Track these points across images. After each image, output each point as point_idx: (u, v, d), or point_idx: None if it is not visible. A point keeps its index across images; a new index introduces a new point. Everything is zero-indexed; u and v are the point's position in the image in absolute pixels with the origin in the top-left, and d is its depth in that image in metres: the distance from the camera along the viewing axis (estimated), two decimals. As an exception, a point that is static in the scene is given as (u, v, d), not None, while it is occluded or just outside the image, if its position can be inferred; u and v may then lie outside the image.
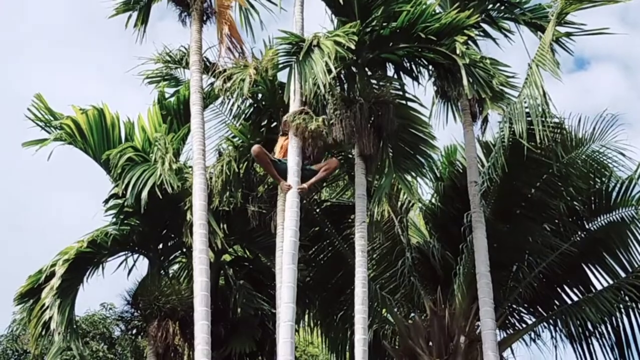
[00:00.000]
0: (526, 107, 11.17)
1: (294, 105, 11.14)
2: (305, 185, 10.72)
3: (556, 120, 11.96)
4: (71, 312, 12.46)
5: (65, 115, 13.34)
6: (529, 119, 11.09)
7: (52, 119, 13.46)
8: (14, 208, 42.71)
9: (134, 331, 13.79)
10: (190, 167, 12.68)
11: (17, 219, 42.34)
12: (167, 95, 13.95)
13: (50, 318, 11.92)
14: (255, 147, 11.04)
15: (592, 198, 13.27)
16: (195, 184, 11.24)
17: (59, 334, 11.92)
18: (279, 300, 10.02)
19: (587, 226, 13.41)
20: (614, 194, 13.15)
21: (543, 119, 11.06)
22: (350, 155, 12.93)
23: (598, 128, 12.44)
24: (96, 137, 13.21)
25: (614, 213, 13.23)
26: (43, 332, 12.33)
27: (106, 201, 12.99)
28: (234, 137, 13.40)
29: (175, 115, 13.81)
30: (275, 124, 13.10)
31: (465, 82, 10.92)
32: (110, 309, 22.57)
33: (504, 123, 11.69)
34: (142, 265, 13.66)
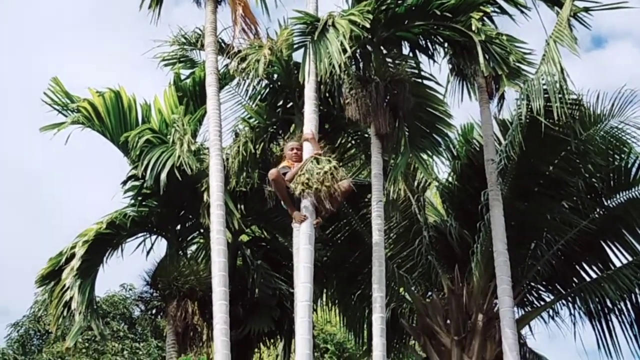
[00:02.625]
0: (544, 84, 11.07)
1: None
2: (319, 219, 10.07)
3: (574, 97, 11.84)
4: (91, 292, 12.58)
5: (82, 98, 13.38)
6: (547, 95, 10.98)
7: (69, 102, 13.51)
8: (34, 195, 43.11)
9: (154, 311, 13.87)
10: (207, 148, 12.71)
11: (37, 206, 42.75)
12: (182, 77, 13.97)
13: (71, 298, 12.05)
14: (273, 172, 10.06)
15: (611, 175, 13.17)
16: (212, 165, 11.25)
17: (79, 313, 12.04)
18: (297, 280, 10.04)
19: (605, 203, 13.31)
20: (633, 170, 13.05)
21: (561, 96, 10.96)
22: (367, 135, 12.92)
23: (616, 104, 12.30)
24: (113, 119, 13.25)
25: (633, 190, 13.13)
26: (64, 313, 12.44)
27: (124, 183, 13.06)
28: (250, 117, 13.42)
29: (192, 97, 13.83)
30: (291, 104, 13.10)
31: (481, 59, 10.85)
32: (130, 289, 22.82)
33: (522, 100, 11.60)
34: (161, 247, 13.76)
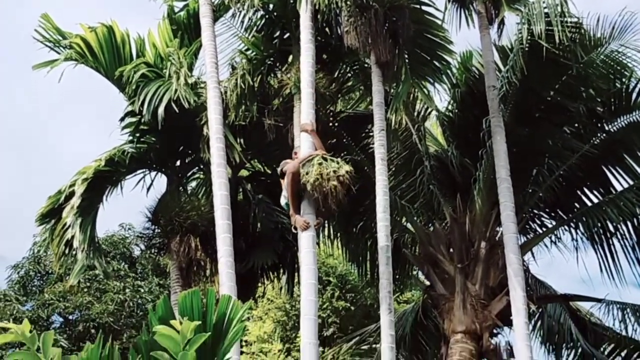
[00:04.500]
0: (544, 8, 10.90)
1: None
2: (320, 220, 9.75)
3: (575, 20, 11.66)
4: (93, 230, 12.53)
5: (74, 34, 13.12)
6: (548, 19, 10.82)
7: (60, 38, 13.24)
8: (28, 138, 42.89)
9: (155, 248, 13.85)
10: (204, 82, 12.53)
11: (31, 148, 42.56)
12: (176, 10, 13.69)
13: (73, 237, 12.00)
14: (295, 164, 9.52)
15: (612, 99, 13.07)
16: (210, 97, 11.09)
17: (82, 251, 12.00)
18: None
19: (607, 127, 13.25)
20: (634, 94, 12.94)
21: (562, 19, 10.80)
22: (366, 65, 12.75)
23: (617, 27, 12.11)
24: (107, 55, 13.01)
25: (634, 113, 13.04)
26: (66, 251, 12.41)
27: (122, 119, 12.91)
28: (246, 49, 13.21)
29: (186, 30, 13.58)
30: (288, 35, 12.89)
31: (481, -18, 10.65)
32: (129, 229, 22.83)
33: (522, 24, 11.43)
34: (161, 183, 13.68)
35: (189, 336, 3.91)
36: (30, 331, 3.48)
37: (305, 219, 9.37)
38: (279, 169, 10.06)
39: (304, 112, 10.33)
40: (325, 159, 9.51)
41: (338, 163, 9.52)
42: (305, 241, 9.34)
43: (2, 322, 3.68)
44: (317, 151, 9.72)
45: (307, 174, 9.32)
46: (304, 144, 10.00)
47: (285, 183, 9.66)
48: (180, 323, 4.06)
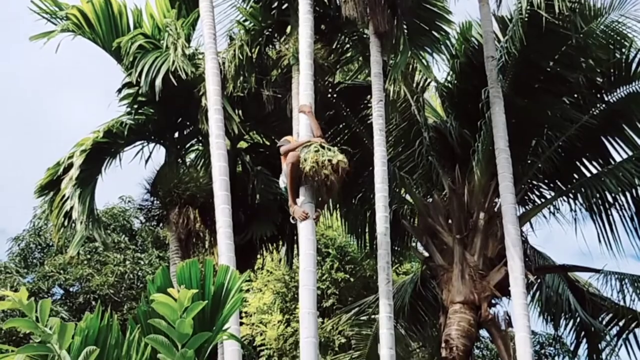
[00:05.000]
0: (544, -23, 10.83)
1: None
2: (319, 211, 9.72)
3: (575, -12, 11.62)
4: (91, 202, 12.54)
5: (70, 5, 13.06)
6: (548, -12, 10.77)
7: (57, 9, 13.18)
8: (27, 110, 42.81)
9: (155, 220, 13.87)
10: (202, 53, 12.48)
11: (30, 120, 42.49)
12: (174, -20, 13.59)
13: (72, 208, 12.01)
14: (295, 155, 9.38)
15: (612, 69, 13.02)
16: (208, 68, 11.03)
17: (81, 223, 12.02)
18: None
19: (606, 98, 13.22)
20: (634, 64, 12.88)
21: (562, -12, 10.74)
22: (365, 35, 12.68)
23: (617, -3, 12.08)
24: (104, 26, 12.95)
25: (633, 84, 12.99)
26: (65, 223, 12.43)
27: (119, 90, 12.87)
28: (244, 20, 13.14)
29: (184, 1, 13.49)
30: (286, 5, 12.81)
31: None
32: (129, 201, 22.84)
33: (522, -6, 11.37)
34: (160, 155, 13.67)
35: (186, 304, 3.92)
36: (28, 299, 3.49)
37: (304, 209, 9.28)
38: (279, 147, 9.96)
39: (302, 93, 10.25)
40: (323, 147, 9.44)
41: (334, 152, 9.45)
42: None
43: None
44: (315, 138, 9.67)
45: (305, 160, 9.28)
46: (303, 127, 9.94)
47: (284, 171, 9.62)
48: (178, 291, 4.07)
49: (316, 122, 9.95)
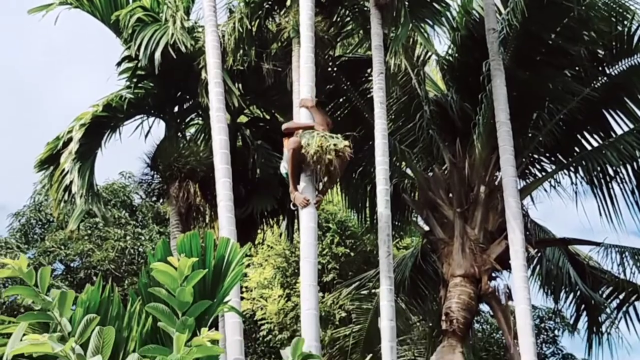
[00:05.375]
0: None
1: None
2: (320, 196, 9.59)
3: (576, -40, 11.52)
4: (91, 176, 12.51)
5: (68, -23, 12.93)
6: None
7: (55, -19, 13.06)
8: (27, 87, 42.70)
9: (155, 194, 13.84)
10: (202, 26, 12.40)
11: (30, 97, 42.39)
12: (172, -47, 13.46)
13: (71, 182, 11.99)
14: (296, 140, 9.28)
15: (613, 42, 12.96)
16: (208, 41, 10.95)
17: (80, 197, 12.00)
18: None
19: (608, 71, 13.17)
20: (636, 37, 12.82)
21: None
22: (365, 8, 12.59)
23: (620, -33, 12.00)
24: (103, -2, 12.86)
25: (635, 57, 12.95)
26: (65, 197, 12.41)
27: (118, 64, 12.80)
28: (244, -8, 13.01)
29: (183, -28, 13.38)
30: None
31: None
32: (129, 177, 22.81)
33: (523, -35, 11.27)
34: (159, 130, 13.63)
35: (186, 272, 3.89)
36: (28, 266, 3.47)
37: (305, 195, 9.21)
38: (283, 127, 9.86)
39: (303, 65, 10.17)
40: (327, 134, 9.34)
41: (338, 138, 9.38)
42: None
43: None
44: (318, 126, 9.57)
45: (307, 145, 9.19)
46: (302, 119, 9.84)
47: (285, 156, 9.54)
48: (178, 260, 4.05)
49: (320, 115, 9.84)
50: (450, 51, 13.90)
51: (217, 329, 10.76)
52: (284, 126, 9.71)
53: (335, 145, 9.19)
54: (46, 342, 3.10)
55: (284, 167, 9.66)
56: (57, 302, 3.55)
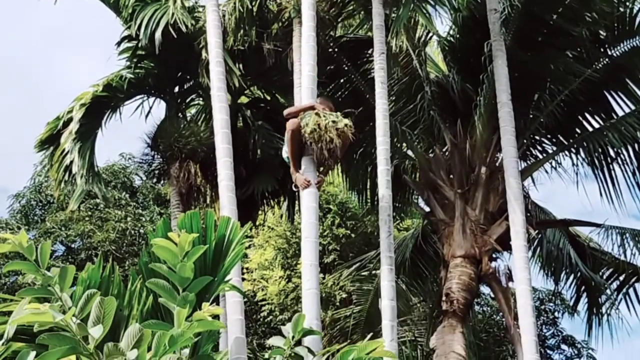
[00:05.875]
0: None
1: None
2: (322, 177, 9.48)
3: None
4: (92, 156, 12.51)
5: (69, -43, 12.90)
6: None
7: (56, -40, 12.99)
8: (27, 67, 42.58)
9: (155, 175, 13.84)
10: (202, 6, 12.35)
11: (31, 79, 42.30)
12: None
13: (72, 162, 11.98)
14: (295, 121, 9.19)
15: (616, 23, 12.85)
16: (209, 21, 10.84)
17: (81, 177, 12.00)
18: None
19: (610, 52, 13.09)
20: (638, 18, 12.74)
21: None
22: (366, -12, 12.52)
23: (622, -53, 11.92)
24: (102, -23, 12.82)
25: (637, 38, 12.86)
26: (65, 177, 12.40)
27: (118, 44, 12.77)
28: (245, -28, 12.94)
29: (183, -49, 13.30)
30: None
31: None
32: (130, 158, 22.80)
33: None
34: (160, 110, 13.60)
35: (187, 248, 3.89)
36: (28, 241, 3.47)
37: (306, 176, 9.14)
38: (284, 113, 9.79)
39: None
40: (326, 113, 9.25)
41: (338, 116, 9.28)
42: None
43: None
44: (319, 105, 9.46)
45: (306, 125, 9.11)
46: (305, 92, 9.75)
47: (285, 139, 9.47)
48: (179, 236, 4.05)
49: (325, 103, 9.70)
50: (451, 32, 13.84)
51: (218, 308, 10.79)
52: (285, 111, 9.64)
53: (334, 122, 9.13)
54: (47, 311, 3.11)
55: (285, 152, 9.61)
56: (57, 278, 3.55)
